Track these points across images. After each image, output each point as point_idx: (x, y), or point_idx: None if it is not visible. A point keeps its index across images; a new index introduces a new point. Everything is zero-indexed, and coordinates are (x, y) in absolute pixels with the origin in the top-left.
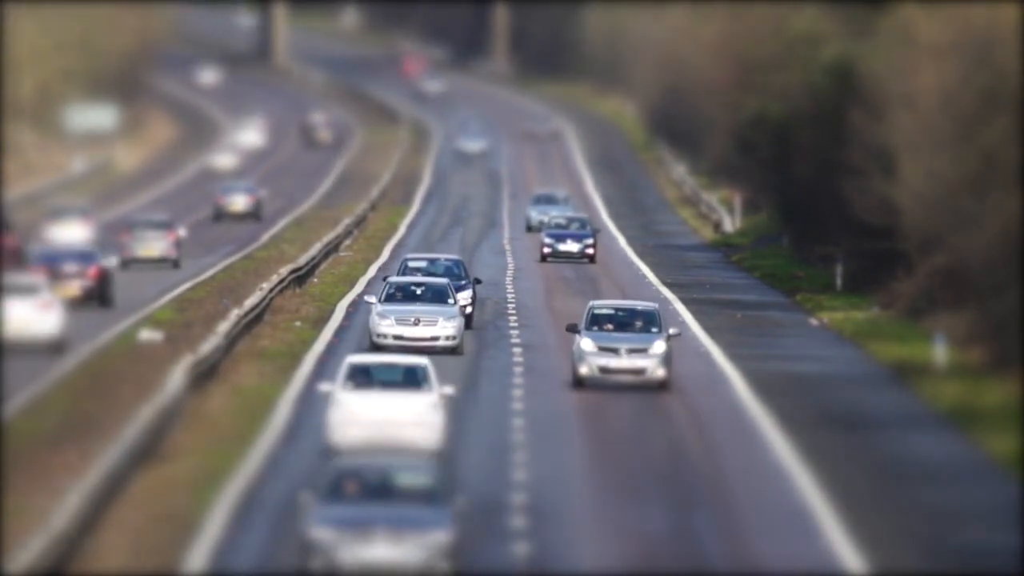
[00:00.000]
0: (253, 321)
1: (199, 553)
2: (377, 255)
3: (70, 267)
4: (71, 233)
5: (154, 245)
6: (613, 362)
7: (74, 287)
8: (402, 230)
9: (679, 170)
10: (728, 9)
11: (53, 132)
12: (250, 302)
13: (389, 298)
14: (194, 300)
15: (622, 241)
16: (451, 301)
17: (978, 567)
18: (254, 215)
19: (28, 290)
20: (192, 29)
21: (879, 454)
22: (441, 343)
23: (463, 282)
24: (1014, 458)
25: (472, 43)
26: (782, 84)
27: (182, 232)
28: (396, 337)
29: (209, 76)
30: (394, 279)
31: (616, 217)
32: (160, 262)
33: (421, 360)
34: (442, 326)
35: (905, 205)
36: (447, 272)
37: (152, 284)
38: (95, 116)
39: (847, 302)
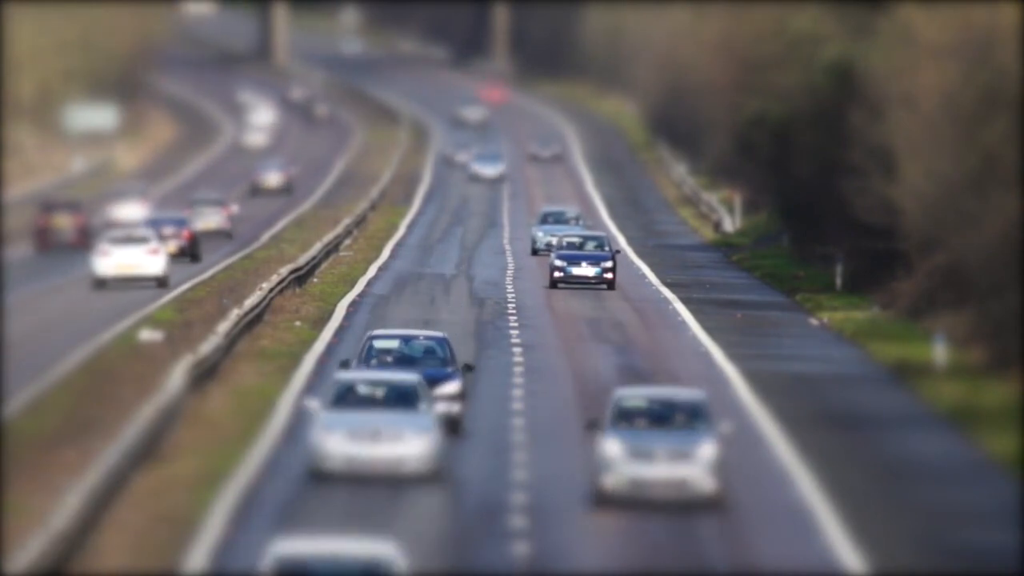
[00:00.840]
0: (253, 321)
1: (199, 553)
2: (377, 255)
3: (168, 230)
4: (130, 212)
5: (211, 219)
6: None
7: (172, 245)
8: (402, 230)
9: (679, 170)
10: (728, 9)
11: (53, 132)
12: (250, 302)
13: (339, 400)
14: (194, 300)
15: (623, 241)
16: (423, 406)
17: (978, 567)
18: (287, 190)
19: (140, 240)
20: (193, 29)
21: (879, 454)
22: (409, 468)
23: (448, 370)
24: (1014, 458)
25: (472, 43)
26: (782, 84)
27: (234, 208)
28: (348, 460)
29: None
30: (345, 375)
31: (616, 217)
32: (217, 233)
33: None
34: (409, 443)
35: (905, 205)
36: (427, 355)
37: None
38: (95, 116)
39: (847, 302)
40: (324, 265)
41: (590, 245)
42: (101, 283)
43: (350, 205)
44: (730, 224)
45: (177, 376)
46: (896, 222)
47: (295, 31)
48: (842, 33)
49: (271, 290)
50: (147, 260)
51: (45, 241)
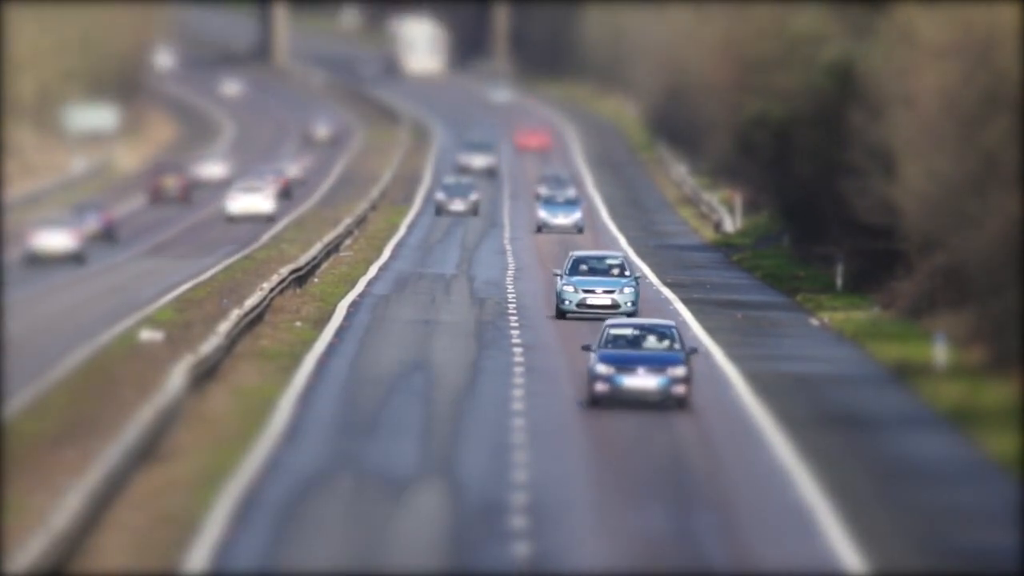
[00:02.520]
0: (253, 321)
1: (199, 553)
2: (378, 255)
3: (270, 178)
4: (213, 171)
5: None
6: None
7: (273, 189)
8: (403, 230)
9: (679, 170)
10: (728, 9)
11: (53, 132)
12: (250, 302)
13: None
14: (194, 300)
15: (623, 241)
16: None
17: (978, 567)
18: (336, 143)
19: (256, 189)
20: (192, 29)
21: (879, 454)
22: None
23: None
24: (1014, 458)
25: (472, 43)
26: (782, 84)
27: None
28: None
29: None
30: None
31: (617, 217)
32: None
33: None
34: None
35: (905, 205)
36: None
37: (155, 282)
38: (95, 116)
39: (847, 302)
40: (324, 265)
41: (652, 340)
42: (231, 219)
43: (350, 205)
44: (730, 224)
45: (177, 376)
46: (896, 222)
47: (295, 31)
48: (842, 33)
49: (271, 290)
50: (262, 202)
51: (157, 197)
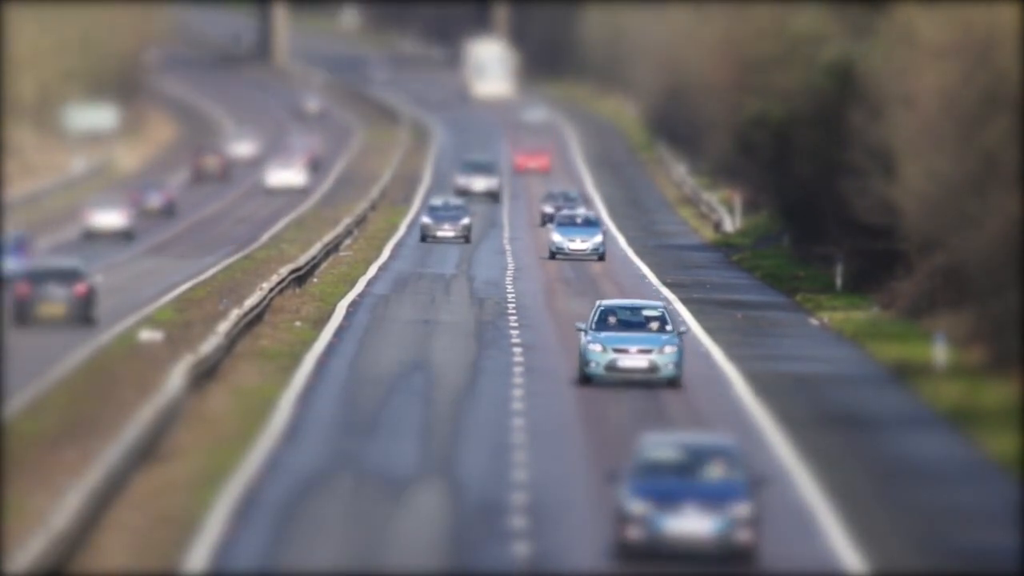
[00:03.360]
0: (253, 321)
1: (199, 553)
2: (377, 255)
3: (299, 154)
4: (245, 149)
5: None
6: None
7: (302, 163)
8: (402, 230)
9: (679, 170)
10: (728, 9)
11: (53, 132)
12: (250, 302)
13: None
14: (194, 300)
15: (622, 241)
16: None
17: (978, 567)
18: (325, 115)
19: (291, 166)
20: (193, 29)
21: (879, 454)
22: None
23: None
24: (1014, 458)
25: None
26: (782, 84)
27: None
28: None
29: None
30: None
31: (616, 217)
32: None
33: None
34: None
35: (905, 205)
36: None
37: (152, 283)
38: (95, 116)
39: (847, 302)
40: (324, 265)
41: (708, 468)
42: (270, 192)
43: (350, 205)
44: (730, 224)
45: (177, 376)
46: (896, 222)
47: (295, 31)
48: (842, 33)
49: (271, 290)
50: (295, 176)
51: (199, 175)
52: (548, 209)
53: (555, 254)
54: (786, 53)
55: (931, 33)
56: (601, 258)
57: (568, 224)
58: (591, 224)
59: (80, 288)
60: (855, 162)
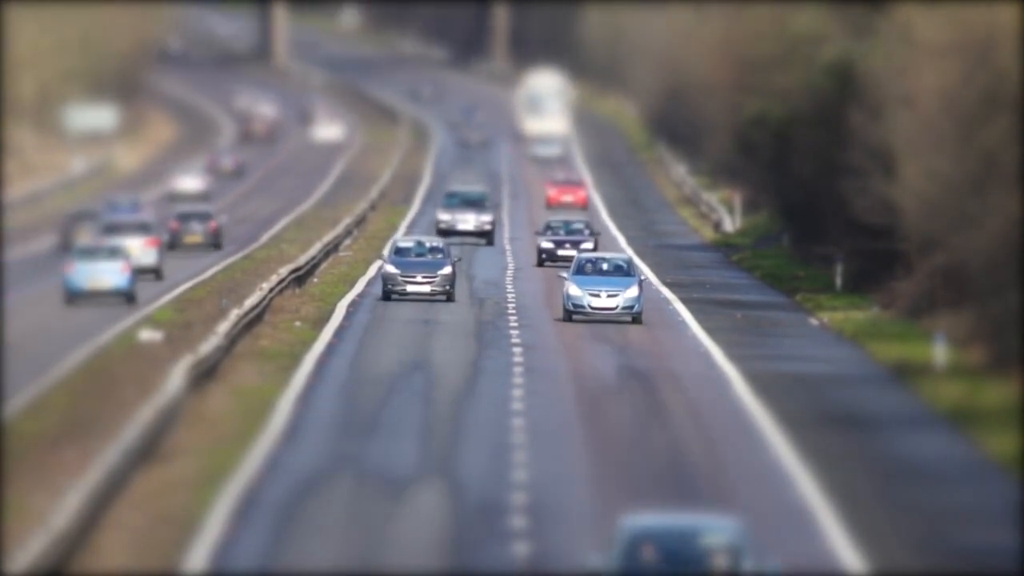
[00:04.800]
0: (253, 321)
1: (199, 553)
2: (377, 255)
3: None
4: (265, 110)
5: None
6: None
7: (337, 125)
8: (402, 230)
9: (679, 170)
10: (728, 9)
11: (53, 132)
12: (250, 302)
13: None
14: (194, 300)
15: (622, 241)
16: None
17: (978, 567)
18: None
19: (332, 125)
20: (192, 29)
21: (879, 454)
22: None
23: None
24: (1014, 458)
25: (472, 43)
26: (782, 84)
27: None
28: None
29: (329, 132)
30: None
31: (616, 217)
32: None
33: None
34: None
35: (905, 205)
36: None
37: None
38: (95, 116)
39: (847, 302)
40: (324, 265)
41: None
42: (317, 142)
43: (350, 205)
44: (730, 224)
45: (177, 376)
46: (896, 222)
47: (295, 31)
48: (842, 33)
49: (271, 290)
50: (337, 131)
51: (248, 136)
52: (547, 244)
53: (572, 314)
54: (786, 53)
55: (931, 33)
56: (636, 320)
57: (592, 273)
58: (623, 272)
59: (212, 224)
60: (855, 162)
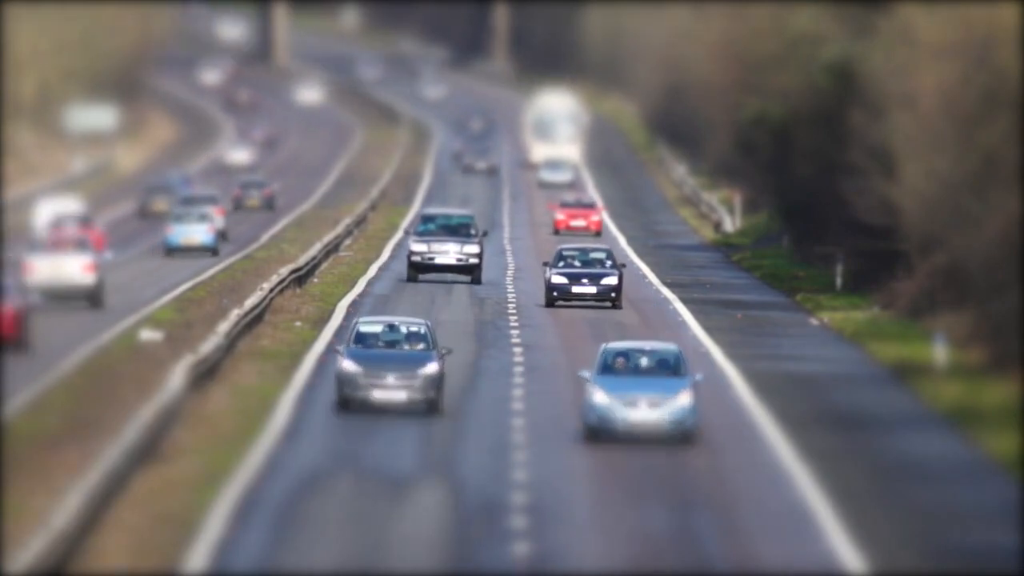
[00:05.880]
0: (253, 321)
1: (199, 553)
2: (377, 255)
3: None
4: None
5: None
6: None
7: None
8: (402, 230)
9: (679, 170)
10: (728, 9)
11: (53, 132)
12: (250, 302)
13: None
14: (194, 300)
15: (623, 241)
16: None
17: (978, 567)
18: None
19: (312, 90)
20: (193, 29)
21: (879, 454)
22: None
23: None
24: (1014, 458)
25: (472, 43)
26: (782, 84)
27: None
28: None
29: (310, 94)
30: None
31: (617, 217)
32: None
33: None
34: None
35: (905, 205)
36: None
37: (152, 284)
38: (95, 116)
39: (847, 302)
40: (324, 265)
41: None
42: (300, 104)
43: (350, 205)
44: (730, 224)
45: (177, 376)
46: (896, 222)
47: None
48: (842, 33)
49: (271, 290)
50: (315, 95)
51: (232, 104)
52: (559, 279)
53: (596, 433)
54: (786, 53)
55: (931, 33)
56: (687, 437)
57: (627, 373)
58: (667, 366)
59: (267, 191)
60: (855, 162)
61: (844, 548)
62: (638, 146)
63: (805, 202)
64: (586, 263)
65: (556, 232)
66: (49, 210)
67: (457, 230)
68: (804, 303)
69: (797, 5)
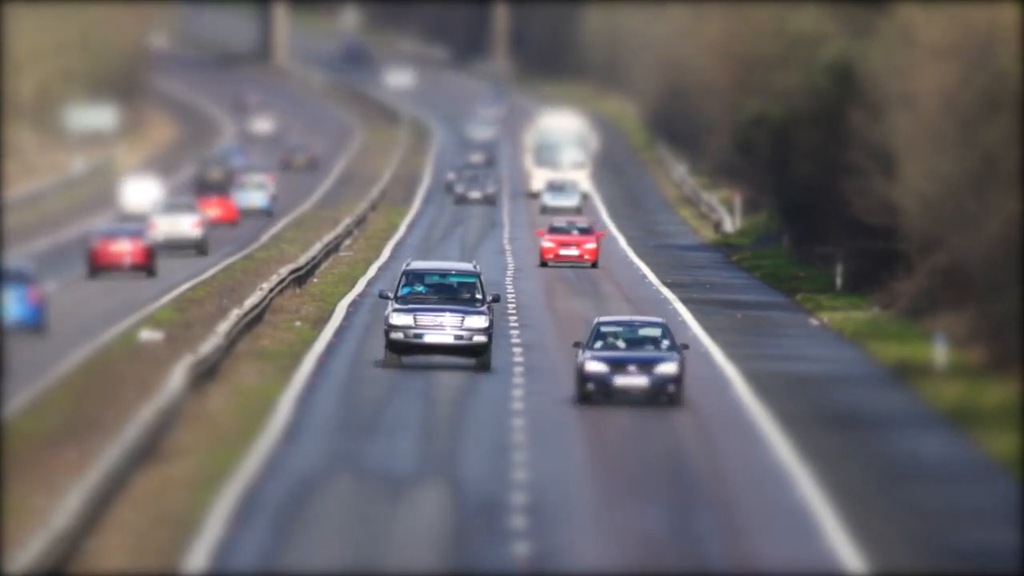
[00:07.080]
0: (253, 321)
1: (199, 553)
2: (377, 255)
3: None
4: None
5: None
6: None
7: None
8: (402, 230)
9: (679, 170)
10: (728, 9)
11: (53, 132)
12: (250, 302)
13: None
14: (194, 300)
15: (623, 241)
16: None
17: (978, 567)
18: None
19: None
20: (192, 29)
21: (879, 454)
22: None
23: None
24: (1014, 458)
25: (472, 43)
26: (782, 84)
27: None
28: None
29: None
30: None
31: (616, 217)
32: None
33: None
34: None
35: (905, 205)
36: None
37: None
38: (95, 116)
39: (847, 302)
40: (324, 265)
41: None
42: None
43: (350, 205)
44: (730, 224)
45: (177, 376)
46: (896, 222)
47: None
48: (842, 33)
49: (271, 290)
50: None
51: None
52: (596, 367)
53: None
54: (786, 53)
55: (931, 33)
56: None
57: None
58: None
59: (310, 154)
60: (855, 162)
61: (844, 548)
62: (638, 146)
63: (805, 202)
64: (633, 343)
65: (543, 264)
66: (135, 189)
67: (456, 294)
68: (804, 303)
69: (797, 5)
